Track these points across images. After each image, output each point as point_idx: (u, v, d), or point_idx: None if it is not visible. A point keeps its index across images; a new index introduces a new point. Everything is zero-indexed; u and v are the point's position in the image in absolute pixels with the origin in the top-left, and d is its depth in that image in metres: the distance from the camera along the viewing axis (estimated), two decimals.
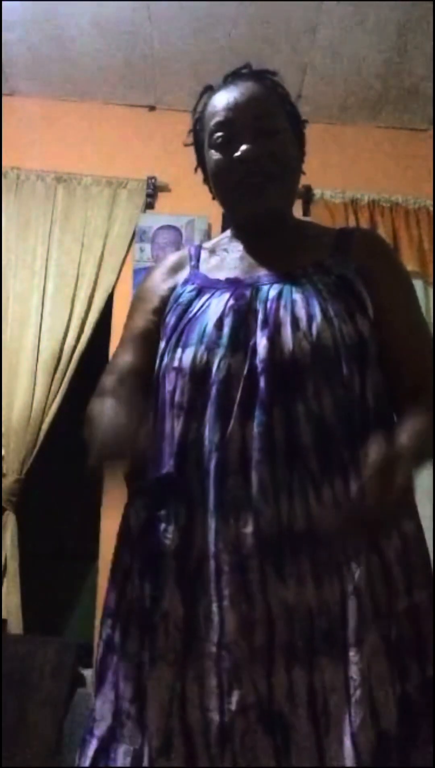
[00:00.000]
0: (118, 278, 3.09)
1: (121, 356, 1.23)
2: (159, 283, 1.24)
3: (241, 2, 2.69)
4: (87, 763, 1.04)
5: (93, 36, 2.90)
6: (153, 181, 3.19)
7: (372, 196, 3.21)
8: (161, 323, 1.18)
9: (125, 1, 2.72)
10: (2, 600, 2.71)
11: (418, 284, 2.70)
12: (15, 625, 2.70)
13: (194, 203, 2.98)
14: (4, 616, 2.68)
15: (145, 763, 0.98)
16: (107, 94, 3.26)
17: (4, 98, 3.17)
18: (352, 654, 0.97)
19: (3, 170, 3.13)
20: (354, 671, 0.97)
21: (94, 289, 3.05)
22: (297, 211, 1.37)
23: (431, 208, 3.21)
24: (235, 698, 0.97)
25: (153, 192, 3.19)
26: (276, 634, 0.98)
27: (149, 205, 3.19)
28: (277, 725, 0.96)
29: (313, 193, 3.17)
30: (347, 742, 0.94)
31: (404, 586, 1.04)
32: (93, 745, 1.04)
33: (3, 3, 2.69)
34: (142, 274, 3.02)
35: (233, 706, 0.97)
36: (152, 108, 3.32)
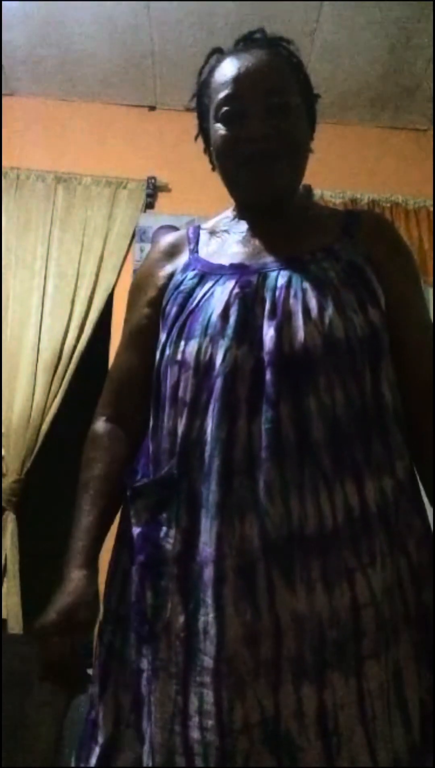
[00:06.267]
0: (118, 278, 3.09)
1: (121, 357, 1.20)
2: (156, 270, 1.17)
3: (241, 2, 2.69)
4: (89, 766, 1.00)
5: (93, 36, 2.90)
6: (153, 181, 3.18)
7: (372, 196, 3.22)
8: (160, 314, 1.12)
9: (125, 1, 2.72)
10: (2, 600, 2.71)
11: None
12: (15, 625, 2.69)
13: (194, 203, 2.98)
14: (4, 616, 2.68)
15: None
16: (107, 94, 3.26)
17: (4, 98, 3.17)
18: (369, 667, 0.92)
19: (3, 170, 3.13)
20: (372, 685, 0.91)
21: (94, 289, 3.05)
22: None
23: (431, 208, 3.21)
24: (237, 716, 0.90)
25: (153, 192, 3.19)
26: (283, 647, 0.91)
27: (149, 205, 3.20)
28: (284, 746, 0.89)
29: (313, 193, 3.17)
30: (364, 759, 0.90)
31: (419, 589, 1.00)
32: (95, 752, 1.00)
33: (3, 3, 2.69)
34: None
35: (235, 725, 0.90)
36: (152, 108, 3.32)
